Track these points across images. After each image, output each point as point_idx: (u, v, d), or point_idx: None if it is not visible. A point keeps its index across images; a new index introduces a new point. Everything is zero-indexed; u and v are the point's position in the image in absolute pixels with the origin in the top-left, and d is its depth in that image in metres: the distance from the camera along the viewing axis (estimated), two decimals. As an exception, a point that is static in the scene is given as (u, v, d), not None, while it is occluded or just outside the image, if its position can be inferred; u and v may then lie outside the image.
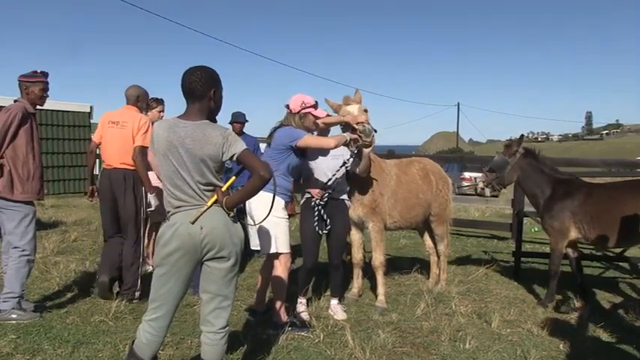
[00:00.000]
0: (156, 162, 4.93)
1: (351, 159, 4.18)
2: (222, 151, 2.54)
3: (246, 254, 6.11)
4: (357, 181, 4.45)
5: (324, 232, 4.16)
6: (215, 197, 2.55)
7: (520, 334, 4.02)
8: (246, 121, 6.51)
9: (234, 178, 2.73)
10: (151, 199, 4.47)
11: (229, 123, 6.43)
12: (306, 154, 4.02)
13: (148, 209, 4.51)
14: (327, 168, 4.16)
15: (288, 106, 3.92)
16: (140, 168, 4.37)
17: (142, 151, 4.37)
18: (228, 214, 2.58)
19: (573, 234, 4.65)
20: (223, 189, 2.59)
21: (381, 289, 4.63)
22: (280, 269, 3.88)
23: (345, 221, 4.33)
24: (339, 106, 4.35)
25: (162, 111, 5.55)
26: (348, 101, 4.32)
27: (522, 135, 5.13)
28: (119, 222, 4.48)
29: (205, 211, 2.52)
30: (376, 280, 4.68)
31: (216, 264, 2.58)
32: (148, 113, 5.22)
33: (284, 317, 3.91)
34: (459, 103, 48.12)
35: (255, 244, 3.94)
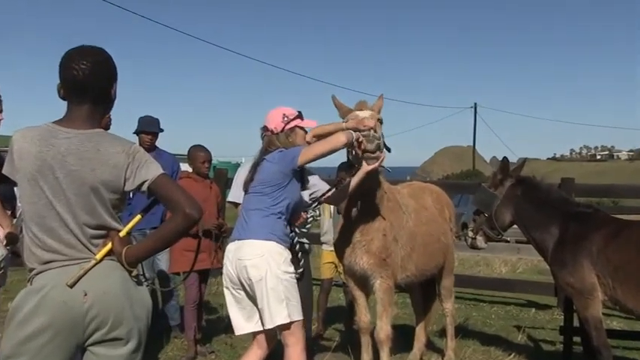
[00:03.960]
0: None
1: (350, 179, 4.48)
2: (125, 177, 2.53)
3: (158, 332, 6.01)
4: (363, 217, 4.78)
5: (296, 276, 4.37)
6: (109, 247, 2.52)
7: None
8: (161, 130, 6.50)
9: (139, 216, 2.71)
10: None
11: (135, 133, 6.42)
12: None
13: None
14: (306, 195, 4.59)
15: (266, 128, 4.31)
16: None
17: None
18: (130, 273, 2.55)
19: (600, 294, 4.66)
20: (122, 234, 2.56)
21: None
22: (299, 348, 4.09)
23: (309, 272, 4.71)
24: (348, 110, 4.66)
25: (1, 111, 5.44)
26: (363, 107, 4.63)
27: (505, 157, 5.33)
28: None
29: (92, 267, 2.48)
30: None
31: (108, 350, 2.52)
32: None
33: None
34: (476, 105, 47.72)
35: (241, 324, 4.20)
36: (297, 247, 4.49)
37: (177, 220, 2.54)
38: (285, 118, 4.26)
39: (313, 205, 4.71)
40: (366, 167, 4.37)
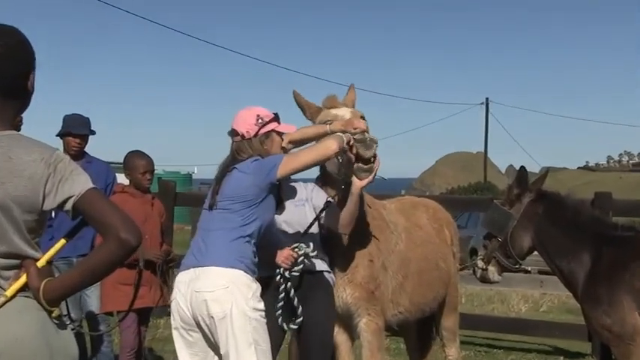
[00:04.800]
0: None
1: (337, 196, 4.58)
2: (44, 192, 2.52)
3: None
4: (341, 241, 4.77)
5: (293, 326, 4.50)
6: (23, 280, 2.50)
7: None
8: (92, 132, 6.52)
9: (63, 241, 2.70)
10: None
11: (59, 136, 6.44)
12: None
13: None
14: (292, 219, 4.61)
15: (235, 131, 4.31)
16: None
17: None
18: (50, 313, 2.53)
19: None
20: (41, 264, 2.55)
21: None
22: None
23: (330, 309, 4.76)
24: (317, 110, 4.76)
25: None
26: (335, 103, 4.72)
27: (523, 167, 5.33)
28: None
29: (1, 307, 2.46)
30: None
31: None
32: None
33: None
34: (487, 100, 48.76)
35: None
36: (292, 292, 4.48)
37: (109, 246, 2.52)
38: (260, 121, 4.30)
39: (318, 214, 4.68)
40: (359, 183, 4.40)
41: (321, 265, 4.69)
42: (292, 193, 4.73)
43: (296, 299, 4.49)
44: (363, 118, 4.69)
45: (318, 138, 4.56)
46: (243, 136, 4.30)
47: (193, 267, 4.12)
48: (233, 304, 3.97)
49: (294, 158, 4.18)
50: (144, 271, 5.67)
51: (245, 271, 4.08)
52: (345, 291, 4.79)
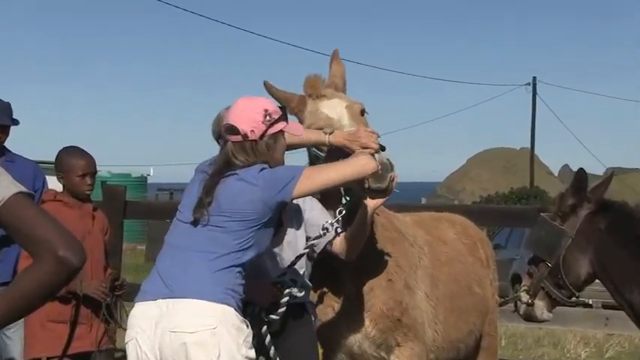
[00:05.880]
0: None
1: (339, 218, 4.59)
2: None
3: None
4: (348, 262, 4.76)
5: None
6: None
7: None
8: (15, 122, 6.57)
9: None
10: None
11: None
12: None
13: None
14: (285, 241, 4.66)
15: (233, 128, 4.24)
16: None
17: None
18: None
19: None
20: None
21: None
22: None
23: (314, 348, 4.78)
24: (300, 101, 4.80)
25: None
26: (320, 88, 4.76)
27: (582, 169, 5.19)
28: None
29: None
30: None
31: None
32: None
33: None
34: (535, 80, 49.30)
35: None
36: (268, 339, 4.49)
37: (44, 267, 2.46)
38: (268, 118, 4.26)
39: (311, 240, 4.68)
40: (372, 203, 4.41)
41: (302, 293, 4.67)
42: (294, 214, 4.71)
43: (272, 349, 4.47)
44: (363, 112, 4.74)
45: (314, 146, 4.65)
46: (245, 136, 4.24)
47: (163, 297, 4.06)
48: (221, 350, 3.95)
49: (318, 173, 4.20)
50: (82, 305, 5.68)
51: (236, 309, 4.06)
52: (363, 324, 4.81)
